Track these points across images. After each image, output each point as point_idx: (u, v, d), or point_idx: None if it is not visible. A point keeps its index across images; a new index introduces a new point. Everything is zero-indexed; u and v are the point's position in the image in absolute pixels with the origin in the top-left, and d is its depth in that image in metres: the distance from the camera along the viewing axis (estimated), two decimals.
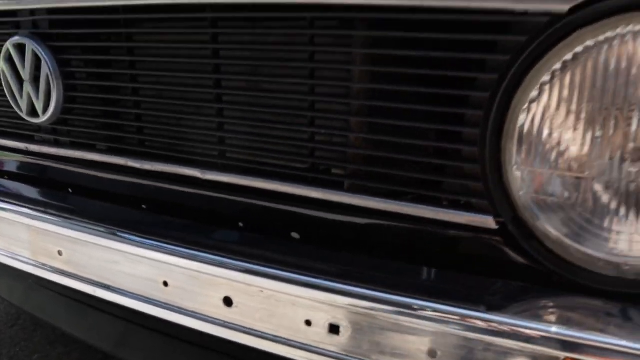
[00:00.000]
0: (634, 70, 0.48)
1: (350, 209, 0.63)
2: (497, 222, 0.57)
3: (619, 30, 0.48)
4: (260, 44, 0.63)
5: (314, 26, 0.59)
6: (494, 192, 0.55)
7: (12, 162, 0.96)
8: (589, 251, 0.54)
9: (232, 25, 0.66)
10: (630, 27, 0.47)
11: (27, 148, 0.91)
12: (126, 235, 0.75)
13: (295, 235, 0.69)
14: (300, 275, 0.61)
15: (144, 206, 0.81)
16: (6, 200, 0.90)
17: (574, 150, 0.51)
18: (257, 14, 0.62)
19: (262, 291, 0.63)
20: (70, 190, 0.88)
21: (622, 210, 0.52)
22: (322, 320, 0.60)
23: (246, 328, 0.66)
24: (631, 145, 0.49)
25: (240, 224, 0.72)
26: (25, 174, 0.94)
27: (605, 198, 0.52)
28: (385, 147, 0.59)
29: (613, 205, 0.52)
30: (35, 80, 0.81)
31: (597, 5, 0.47)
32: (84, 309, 1.26)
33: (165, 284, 0.71)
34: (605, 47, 0.48)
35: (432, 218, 0.59)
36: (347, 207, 0.63)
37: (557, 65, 0.50)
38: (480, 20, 0.51)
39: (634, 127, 0.48)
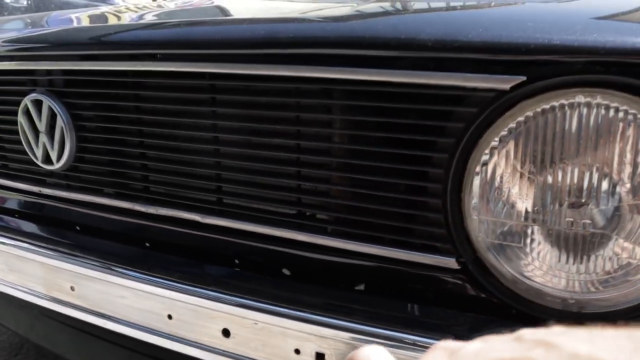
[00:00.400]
0: (565, 134, 0.57)
1: (333, 250, 0.72)
2: (459, 263, 0.65)
3: (552, 103, 0.57)
4: (252, 106, 0.72)
5: (299, 93, 0.68)
6: (455, 237, 0.64)
7: (26, 204, 1.04)
8: (538, 287, 0.63)
9: (228, 89, 0.75)
10: (559, 102, 0.56)
11: (40, 191, 0.99)
12: (133, 273, 0.82)
13: (286, 271, 0.77)
14: (289, 309, 0.69)
15: (147, 244, 0.89)
16: (21, 238, 0.97)
17: (520, 201, 0.60)
18: (249, 82, 0.71)
19: (256, 323, 0.71)
20: (80, 230, 0.96)
21: (564, 252, 0.61)
22: (309, 349, 0.68)
23: (242, 356, 0.73)
24: (566, 194, 0.58)
25: (237, 262, 0.81)
26: (39, 215, 1.02)
27: (549, 241, 0.61)
28: (362, 198, 0.68)
29: (556, 247, 0.61)
30: (51, 131, 0.89)
31: (533, 85, 0.57)
32: (88, 338, 1.33)
33: (170, 317, 0.79)
34: (541, 117, 0.57)
35: (404, 259, 0.67)
36: (330, 248, 0.72)
37: (504, 132, 0.59)
38: (438, 94, 0.61)
39: (567, 180, 0.58)
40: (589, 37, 0.54)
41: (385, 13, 0.69)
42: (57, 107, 0.87)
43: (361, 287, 0.72)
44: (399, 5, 0.79)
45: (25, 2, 3.57)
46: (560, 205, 0.59)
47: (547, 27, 0.56)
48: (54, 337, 1.41)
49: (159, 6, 1.20)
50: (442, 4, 0.77)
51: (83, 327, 1.22)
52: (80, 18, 1.10)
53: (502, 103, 0.58)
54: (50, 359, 1.64)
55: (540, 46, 0.54)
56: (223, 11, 0.98)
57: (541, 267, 0.63)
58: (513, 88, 0.57)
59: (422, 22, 0.60)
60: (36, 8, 3.61)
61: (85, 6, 4.13)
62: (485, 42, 0.57)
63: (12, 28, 1.10)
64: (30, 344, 1.72)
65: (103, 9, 1.25)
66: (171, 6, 1.19)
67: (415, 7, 0.77)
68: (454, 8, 0.70)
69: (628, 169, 0.56)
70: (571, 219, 0.58)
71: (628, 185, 0.56)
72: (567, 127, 0.57)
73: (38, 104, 0.89)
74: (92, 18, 1.09)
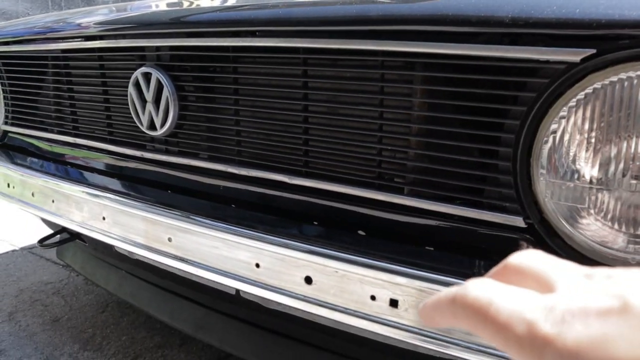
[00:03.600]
0: (631, 106, 0.62)
1: (410, 210, 0.79)
2: (527, 223, 0.71)
3: (620, 76, 0.62)
4: (340, 78, 0.81)
5: (383, 66, 0.76)
6: (524, 199, 0.70)
7: (129, 167, 1.17)
8: (600, 248, 0.69)
9: (318, 62, 0.83)
10: (627, 74, 0.62)
11: (142, 155, 1.11)
12: (225, 225, 0.93)
13: (361, 232, 0.86)
14: (368, 259, 0.77)
15: (236, 205, 1.00)
16: (124, 196, 1.10)
17: (586, 167, 0.66)
18: (338, 56, 0.80)
19: (336, 271, 0.80)
20: (177, 191, 1.08)
21: (626, 216, 0.66)
22: (384, 296, 0.76)
23: (323, 302, 0.82)
24: (630, 163, 0.63)
25: (319, 220, 0.89)
26: (141, 177, 1.14)
27: (612, 205, 0.67)
28: (437, 161, 0.75)
29: (619, 211, 0.66)
30: (156, 101, 1.01)
31: (602, 57, 0.62)
32: (169, 295, 1.46)
33: (257, 265, 0.88)
34: (609, 88, 0.63)
35: (475, 218, 0.74)
36: (407, 207, 0.79)
37: (572, 103, 0.65)
38: (513, 66, 0.67)
39: (632, 149, 0.63)
40: None
41: None
42: (164, 79, 0.98)
43: (434, 244, 0.79)
44: None
45: None
46: (624, 174, 0.64)
47: (616, 3, 0.62)
48: (139, 294, 1.55)
49: None
50: None
51: (164, 284, 1.35)
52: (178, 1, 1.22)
53: (573, 75, 0.64)
54: (132, 316, 1.80)
55: (609, 21, 0.60)
56: None
57: (604, 229, 0.68)
58: (583, 60, 0.63)
59: (501, 0, 0.67)
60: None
61: None
62: (558, 18, 0.63)
63: (120, 9, 1.23)
64: (114, 303, 1.88)
65: None
66: None
67: None
68: None
69: None
70: (634, 183, 0.64)
71: None
72: (633, 98, 0.62)
73: (147, 76, 1.01)
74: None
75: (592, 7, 0.62)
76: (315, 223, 0.89)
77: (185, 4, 1.04)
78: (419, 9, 0.71)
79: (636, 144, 0.63)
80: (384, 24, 0.72)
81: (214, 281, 0.96)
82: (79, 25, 1.17)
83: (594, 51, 0.62)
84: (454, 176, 0.74)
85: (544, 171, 0.68)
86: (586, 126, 0.65)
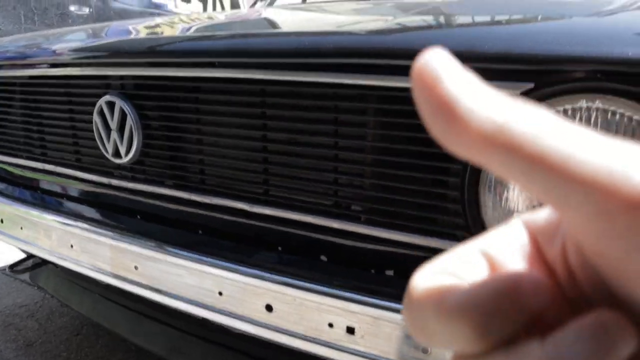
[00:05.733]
0: None
1: (366, 238, 0.81)
2: None
3: (557, 108, 0.65)
4: (297, 109, 0.82)
5: (337, 98, 0.78)
6: (472, 226, 0.72)
7: (96, 193, 1.17)
8: None
9: (276, 93, 0.85)
10: (563, 107, 0.64)
11: (109, 182, 1.12)
12: (189, 254, 0.94)
13: (323, 257, 0.87)
14: (325, 287, 0.78)
15: (200, 231, 1.01)
16: (91, 223, 1.11)
17: (528, 196, 0.68)
18: (295, 87, 0.82)
19: (295, 299, 0.81)
20: (143, 217, 1.08)
21: None
22: (341, 324, 0.77)
23: (283, 329, 0.83)
24: None
25: (280, 247, 0.91)
26: (107, 203, 1.15)
27: None
28: (391, 191, 0.77)
29: None
30: (121, 129, 1.02)
31: (541, 91, 0.64)
32: (143, 318, 1.46)
33: (220, 293, 0.89)
34: None
35: (428, 246, 0.76)
36: (363, 235, 0.81)
37: None
38: None
39: None
40: (589, 49, 0.61)
41: (416, 28, 0.78)
42: (127, 108, 0.99)
43: (390, 272, 0.81)
44: (429, 20, 0.88)
45: (87, 11, 3.82)
46: None
47: (552, 39, 0.64)
48: (113, 316, 1.54)
49: (209, 17, 1.32)
50: (467, 19, 0.85)
51: (138, 307, 1.35)
52: (140, 29, 1.23)
53: None
54: (107, 339, 1.79)
55: (545, 57, 0.62)
56: (271, 23, 1.09)
57: None
58: (523, 93, 0.65)
59: (444, 36, 0.69)
60: (97, 15, 3.86)
61: (141, 13, 4.36)
62: (498, 53, 0.65)
63: (85, 37, 1.24)
64: (89, 325, 1.87)
65: (159, 20, 1.38)
66: (221, 17, 1.31)
67: (441, 21, 0.85)
68: (476, 23, 0.79)
69: None
70: None
71: None
72: None
73: (111, 105, 1.01)
74: (153, 29, 1.22)
75: (531, 43, 0.64)
76: (276, 250, 0.90)
77: (149, 34, 1.05)
78: (370, 42, 0.73)
79: None
80: (336, 56, 0.74)
81: (174, 312, 0.96)
82: (45, 52, 1.18)
83: (532, 85, 0.64)
84: (407, 205, 0.76)
85: (490, 200, 0.70)
86: None
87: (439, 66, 0.15)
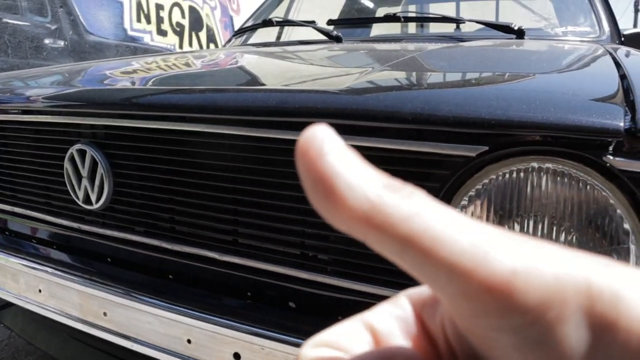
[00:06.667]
0: (522, 192, 0.68)
1: (332, 287, 0.83)
2: None
3: (511, 168, 0.69)
4: (265, 163, 0.85)
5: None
6: None
7: (66, 238, 1.17)
8: None
9: (245, 147, 0.87)
10: (517, 166, 0.68)
11: (79, 227, 1.12)
12: (158, 302, 0.94)
13: (291, 304, 0.89)
14: (292, 337, 0.80)
15: (171, 277, 1.02)
16: (61, 268, 1.10)
17: None
18: (263, 143, 0.84)
19: (263, 349, 0.82)
20: (113, 263, 1.09)
21: None
22: None
23: None
24: None
25: (249, 294, 0.92)
26: (77, 248, 1.15)
27: None
28: (356, 243, 0.80)
29: None
30: (92, 176, 1.03)
31: (495, 153, 0.68)
32: (112, 359, 1.45)
33: (189, 341, 0.90)
34: (501, 180, 0.69)
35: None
36: (329, 285, 0.83)
37: (472, 192, 0.71)
38: (419, 158, 0.73)
39: (524, 232, 0.69)
40: (539, 114, 0.66)
41: (378, 89, 0.82)
42: (98, 156, 1.00)
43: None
44: (395, 78, 0.92)
45: (62, 44, 3.82)
46: None
47: (505, 105, 0.68)
48: (81, 357, 1.52)
49: (185, 63, 1.35)
50: (430, 79, 0.90)
51: (107, 349, 1.34)
52: (115, 75, 1.25)
53: (470, 167, 0.70)
54: None
55: (498, 121, 0.66)
56: (242, 74, 1.12)
57: None
58: (479, 155, 0.69)
59: (404, 98, 0.73)
60: (72, 48, 3.86)
61: (117, 46, 4.37)
62: (455, 117, 0.69)
63: (59, 82, 1.26)
64: None
65: (134, 64, 1.40)
66: (197, 63, 1.34)
67: (404, 81, 0.89)
68: (435, 85, 0.83)
69: (576, 220, 0.67)
70: None
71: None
72: (522, 189, 0.68)
73: (82, 153, 1.03)
74: (127, 75, 1.24)
75: (484, 108, 0.68)
76: (246, 298, 0.91)
77: (122, 84, 1.07)
78: (331, 103, 0.76)
79: (527, 230, 0.69)
80: (301, 116, 0.77)
81: (146, 355, 0.97)
82: (18, 98, 1.18)
83: (486, 148, 0.68)
84: (372, 257, 0.79)
85: None
86: (484, 214, 0.70)
87: (322, 142, 0.16)
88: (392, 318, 0.20)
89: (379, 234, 0.15)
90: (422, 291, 0.21)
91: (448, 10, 2.50)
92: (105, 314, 1.01)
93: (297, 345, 0.80)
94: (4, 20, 3.48)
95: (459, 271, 0.14)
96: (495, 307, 0.14)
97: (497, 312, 0.14)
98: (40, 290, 1.12)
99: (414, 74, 0.96)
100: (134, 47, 4.56)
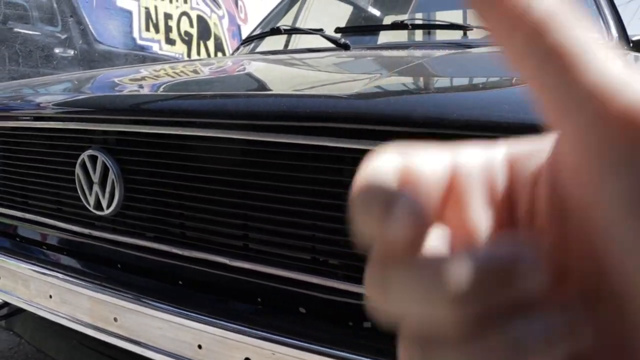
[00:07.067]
0: None
1: (343, 292, 0.83)
2: None
3: None
4: (275, 168, 0.85)
5: (315, 159, 0.81)
6: None
7: (77, 244, 1.18)
8: None
9: (255, 152, 0.88)
10: None
11: (90, 233, 1.13)
12: (169, 307, 0.95)
13: (302, 310, 0.89)
14: (302, 342, 0.80)
15: (181, 282, 1.02)
16: (72, 274, 1.11)
17: None
18: (273, 148, 0.85)
19: (274, 354, 0.82)
20: (123, 268, 1.09)
21: None
22: None
23: None
24: None
25: (259, 300, 0.92)
26: (88, 254, 1.16)
27: None
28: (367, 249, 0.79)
29: None
30: (103, 182, 1.04)
31: None
32: None
33: (200, 346, 0.90)
34: None
35: None
36: (340, 290, 0.83)
37: None
38: None
39: None
40: None
41: (389, 93, 0.82)
42: (109, 162, 1.01)
43: (368, 324, 0.83)
44: (405, 83, 0.93)
45: (72, 53, 3.86)
46: None
47: (519, 108, 0.68)
48: None
49: (196, 71, 1.36)
50: (441, 83, 0.90)
51: (116, 355, 1.34)
52: (125, 82, 1.26)
53: None
54: None
55: (511, 124, 0.66)
56: (252, 81, 1.13)
57: None
58: None
59: (416, 102, 0.73)
60: (82, 57, 3.90)
61: (126, 55, 4.41)
62: (467, 121, 0.69)
63: (70, 89, 1.27)
64: None
65: (144, 72, 1.41)
66: (205, 71, 1.35)
67: (415, 86, 0.90)
68: (446, 89, 0.83)
69: None
70: None
71: None
72: None
73: (93, 159, 1.03)
74: (137, 82, 1.25)
75: (498, 111, 0.68)
76: (256, 303, 0.91)
77: (132, 91, 1.08)
78: (343, 107, 0.76)
79: None
80: (312, 120, 0.77)
81: None
82: (29, 105, 1.20)
83: None
84: None
85: None
86: None
87: None
88: (480, 166, 0.18)
89: (528, 38, 0.14)
90: (520, 144, 0.19)
91: (455, 17, 2.51)
92: (115, 319, 1.01)
93: (308, 351, 0.79)
94: (15, 29, 3.53)
95: (598, 92, 0.13)
96: (625, 137, 0.13)
97: (627, 142, 0.13)
98: (50, 296, 1.13)
99: (422, 79, 0.96)
100: (142, 56, 4.60)
